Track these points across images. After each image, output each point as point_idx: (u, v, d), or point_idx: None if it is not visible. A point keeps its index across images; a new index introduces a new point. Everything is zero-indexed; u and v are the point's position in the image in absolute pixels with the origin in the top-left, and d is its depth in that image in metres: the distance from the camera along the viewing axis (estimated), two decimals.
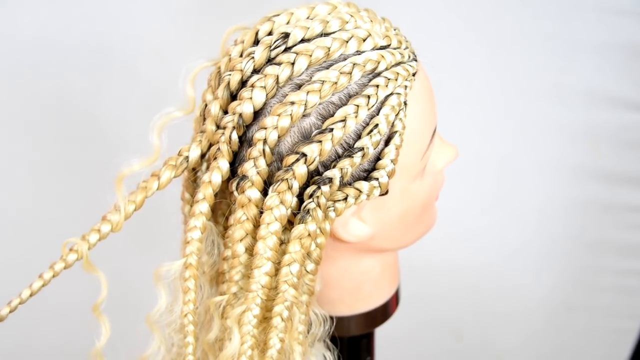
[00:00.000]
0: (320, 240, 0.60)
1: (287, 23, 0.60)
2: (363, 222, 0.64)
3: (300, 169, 0.57)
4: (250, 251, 0.60)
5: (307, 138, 0.57)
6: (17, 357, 1.36)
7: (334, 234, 0.63)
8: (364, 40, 0.59)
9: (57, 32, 1.23)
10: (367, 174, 0.60)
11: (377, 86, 0.58)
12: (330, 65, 0.58)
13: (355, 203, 0.60)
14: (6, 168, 1.28)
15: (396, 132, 0.59)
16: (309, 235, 0.58)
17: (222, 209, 0.66)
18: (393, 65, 0.59)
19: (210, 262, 0.67)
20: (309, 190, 0.58)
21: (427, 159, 0.64)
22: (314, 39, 0.58)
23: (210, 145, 0.61)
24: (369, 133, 0.58)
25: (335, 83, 0.57)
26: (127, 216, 0.59)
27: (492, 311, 1.49)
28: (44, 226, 1.31)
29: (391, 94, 0.59)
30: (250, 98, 0.57)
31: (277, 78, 0.57)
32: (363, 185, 0.59)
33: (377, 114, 0.58)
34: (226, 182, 0.61)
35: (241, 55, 0.60)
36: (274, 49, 0.58)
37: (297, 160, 0.57)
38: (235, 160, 0.60)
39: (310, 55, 0.57)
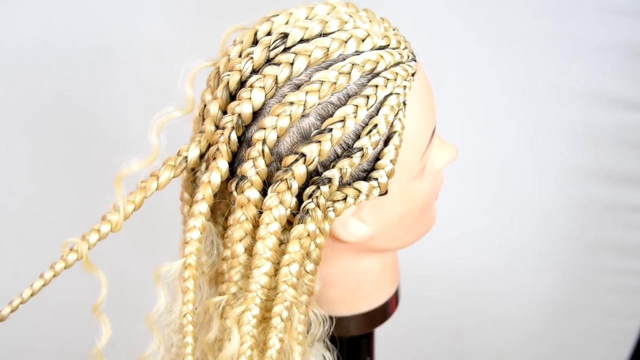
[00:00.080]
0: (320, 241, 0.60)
1: (286, 23, 0.60)
2: (362, 222, 0.64)
3: (300, 169, 0.57)
4: (250, 251, 0.60)
5: (306, 138, 0.57)
6: (17, 357, 1.36)
7: (333, 234, 0.63)
8: (363, 41, 0.59)
9: (57, 32, 1.23)
10: (366, 174, 0.60)
11: (376, 86, 0.58)
12: (329, 65, 0.58)
13: (354, 203, 0.60)
14: (6, 167, 1.28)
15: (395, 132, 0.59)
16: (309, 235, 0.58)
17: (221, 209, 0.66)
18: (392, 66, 0.59)
19: (210, 263, 0.67)
20: (308, 190, 0.58)
21: (426, 159, 0.64)
22: (313, 39, 0.58)
23: (210, 146, 0.61)
24: (368, 133, 0.57)
25: (334, 83, 0.57)
26: (126, 216, 0.59)
27: (492, 311, 1.49)
28: (43, 225, 1.31)
29: (390, 94, 0.58)
30: (249, 98, 0.57)
31: (276, 78, 0.57)
32: (362, 185, 0.59)
33: (376, 114, 0.58)
34: (225, 182, 0.60)
35: (240, 56, 0.60)
36: (273, 49, 0.58)
37: (296, 160, 0.57)
38: (235, 161, 0.60)
39: (309, 56, 0.57)
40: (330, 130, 0.56)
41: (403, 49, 0.61)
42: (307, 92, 0.56)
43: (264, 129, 0.57)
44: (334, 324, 0.71)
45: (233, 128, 0.58)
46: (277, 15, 0.61)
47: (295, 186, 0.57)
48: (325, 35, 0.59)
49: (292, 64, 0.57)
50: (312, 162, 0.57)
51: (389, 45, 0.60)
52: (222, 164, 0.59)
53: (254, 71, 0.59)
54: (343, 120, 0.57)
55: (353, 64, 0.57)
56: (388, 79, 0.58)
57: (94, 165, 1.24)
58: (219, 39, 0.66)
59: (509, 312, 1.50)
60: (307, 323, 0.65)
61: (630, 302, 1.47)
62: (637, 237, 1.44)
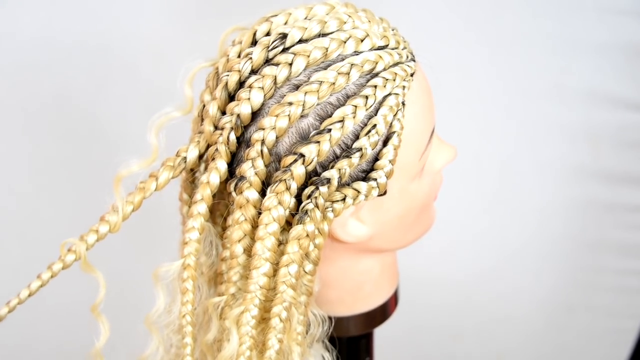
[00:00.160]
0: (319, 241, 0.60)
1: (285, 23, 0.60)
2: (361, 222, 0.64)
3: (299, 170, 0.57)
4: (249, 252, 0.60)
5: (305, 139, 0.57)
6: (16, 357, 1.37)
7: (332, 235, 0.63)
8: (362, 41, 0.59)
9: (57, 32, 1.23)
10: (365, 175, 0.60)
11: (375, 87, 0.58)
12: (328, 65, 0.58)
13: (353, 204, 0.60)
14: (6, 167, 1.28)
15: (394, 132, 0.59)
16: (307, 236, 0.58)
17: (220, 209, 0.66)
18: (391, 66, 0.59)
19: (209, 263, 0.67)
20: (307, 191, 0.58)
21: (425, 159, 0.64)
22: (311, 39, 0.58)
23: (209, 146, 0.61)
24: (367, 133, 0.57)
25: (333, 84, 0.57)
26: (125, 217, 0.59)
27: (492, 311, 1.49)
28: (43, 225, 1.31)
29: (389, 94, 0.58)
30: (248, 99, 0.57)
31: (275, 79, 0.57)
32: (361, 185, 0.59)
33: (375, 115, 0.58)
34: (224, 183, 0.60)
35: (239, 56, 0.60)
36: (272, 49, 0.58)
37: (295, 161, 0.57)
38: (234, 161, 0.60)
39: (308, 56, 0.57)
40: (329, 130, 0.56)
41: (402, 49, 0.61)
42: (306, 93, 0.56)
43: (263, 129, 0.57)
44: (333, 324, 0.71)
45: (232, 128, 0.58)
46: (276, 15, 0.61)
47: (294, 187, 0.57)
48: (324, 35, 0.59)
49: (291, 64, 0.57)
50: (311, 163, 0.57)
51: (388, 45, 0.60)
52: (221, 165, 0.59)
53: (253, 71, 0.59)
54: (342, 121, 0.57)
55: (352, 64, 0.57)
56: (387, 79, 0.58)
57: (94, 165, 1.24)
58: (218, 39, 0.66)
59: (509, 312, 1.49)
60: (306, 323, 0.65)
61: (630, 302, 1.47)
62: (637, 237, 1.44)
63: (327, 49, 0.58)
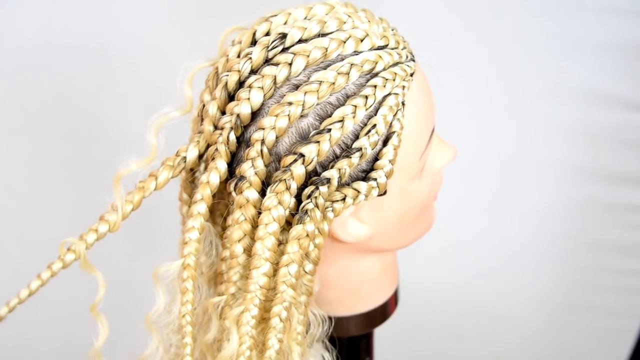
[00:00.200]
0: (319, 241, 0.60)
1: (285, 23, 0.60)
2: (361, 222, 0.64)
3: (298, 170, 0.57)
4: (249, 252, 0.60)
5: (305, 139, 0.57)
6: (16, 357, 1.37)
7: (332, 235, 0.63)
8: (362, 41, 0.59)
9: (57, 31, 1.23)
10: (365, 175, 0.60)
11: (375, 86, 0.58)
12: (328, 65, 0.58)
13: (353, 203, 0.60)
14: (6, 167, 1.28)
15: (394, 132, 0.59)
16: (307, 235, 0.58)
17: (220, 209, 0.66)
18: (391, 66, 0.59)
19: (209, 263, 0.67)
20: (307, 190, 0.58)
21: (425, 159, 0.64)
22: (311, 39, 0.58)
23: (208, 146, 0.61)
24: (367, 133, 0.57)
25: (333, 83, 0.57)
26: (124, 216, 0.59)
27: (492, 311, 1.49)
28: (43, 225, 1.31)
29: (389, 94, 0.58)
30: (248, 99, 0.57)
31: (275, 78, 0.57)
32: (361, 185, 0.59)
33: (375, 115, 0.58)
34: (224, 182, 0.60)
35: (239, 56, 0.60)
36: (272, 49, 0.58)
37: (295, 160, 0.57)
38: (233, 161, 0.60)
39: (308, 56, 0.57)
40: (329, 130, 0.56)
41: (402, 49, 0.61)
42: (305, 93, 0.56)
43: (263, 129, 0.57)
44: (333, 324, 0.71)
45: (232, 128, 0.58)
46: (276, 15, 0.61)
47: (294, 186, 0.57)
48: (324, 35, 0.59)
49: (290, 64, 0.57)
50: (310, 163, 0.57)
51: (387, 45, 0.60)
52: (221, 165, 0.59)
53: (253, 71, 0.58)
54: (342, 121, 0.57)
55: (352, 64, 0.57)
56: (387, 79, 0.58)
57: (94, 165, 1.24)
58: (218, 39, 0.66)
59: (509, 312, 1.49)
60: (306, 323, 0.65)
61: (630, 302, 1.47)
62: (637, 237, 1.44)
63: (326, 48, 0.58)
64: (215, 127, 0.60)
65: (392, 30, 0.63)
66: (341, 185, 0.59)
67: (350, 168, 0.58)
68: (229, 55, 0.61)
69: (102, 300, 0.60)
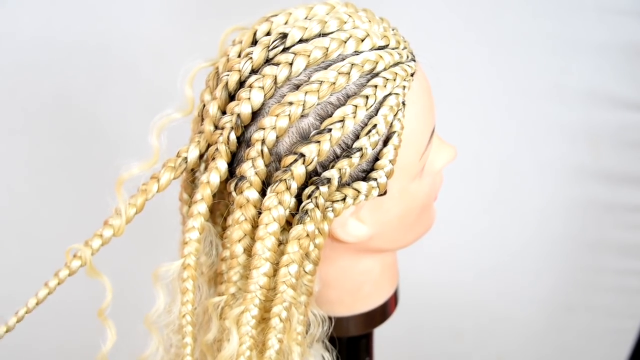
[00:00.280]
0: (319, 241, 0.60)
1: (285, 23, 0.60)
2: (362, 222, 0.64)
3: (299, 170, 0.57)
4: (249, 252, 0.60)
5: (305, 138, 0.57)
6: (17, 357, 1.36)
7: (332, 235, 0.63)
8: (362, 41, 0.59)
9: (57, 32, 1.23)
10: (365, 175, 0.60)
11: (376, 86, 0.58)
12: (329, 65, 0.58)
13: (353, 203, 0.59)
14: (5, 167, 1.28)
15: (394, 132, 0.59)
16: (308, 235, 0.58)
17: (220, 209, 0.66)
18: (391, 66, 0.59)
19: (209, 263, 0.67)
20: (308, 190, 0.58)
21: (425, 159, 0.64)
22: (312, 39, 0.58)
23: (209, 146, 0.61)
24: (367, 133, 0.57)
25: (334, 83, 0.57)
26: (128, 220, 0.59)
27: (492, 311, 1.49)
28: (43, 225, 1.31)
29: (389, 94, 0.58)
30: (249, 98, 0.57)
31: (275, 78, 0.57)
32: (361, 185, 0.59)
33: (376, 115, 0.58)
34: (224, 182, 0.60)
35: (239, 56, 0.60)
36: (272, 49, 0.58)
37: (296, 160, 0.57)
38: (234, 161, 0.60)
39: (309, 56, 0.57)
40: (330, 130, 0.56)
41: (402, 49, 0.61)
42: (306, 92, 0.56)
43: (263, 129, 0.57)
44: (333, 324, 0.71)
45: (232, 128, 0.58)
46: (277, 15, 0.61)
47: (294, 186, 0.57)
48: (325, 35, 0.59)
49: (291, 64, 0.57)
50: (311, 163, 0.57)
51: (388, 45, 0.60)
52: (221, 165, 0.59)
53: (253, 71, 0.58)
54: (342, 121, 0.57)
55: (352, 64, 0.57)
56: (387, 79, 0.58)
57: (94, 165, 1.24)
58: (219, 39, 0.66)
59: (508, 312, 1.49)
60: (306, 323, 0.65)
61: (630, 302, 1.47)
62: (637, 237, 1.44)
63: (327, 48, 0.58)
64: (216, 127, 0.60)
65: (393, 30, 0.63)
66: (341, 185, 0.59)
67: (350, 168, 0.58)
68: (229, 55, 0.61)
69: (109, 305, 0.61)
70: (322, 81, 0.56)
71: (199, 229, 0.60)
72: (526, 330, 1.50)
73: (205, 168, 0.63)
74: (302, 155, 0.56)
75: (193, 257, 0.60)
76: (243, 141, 0.59)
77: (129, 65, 1.27)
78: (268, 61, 0.58)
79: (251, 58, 0.58)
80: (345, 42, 0.58)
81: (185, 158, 0.61)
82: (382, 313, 0.76)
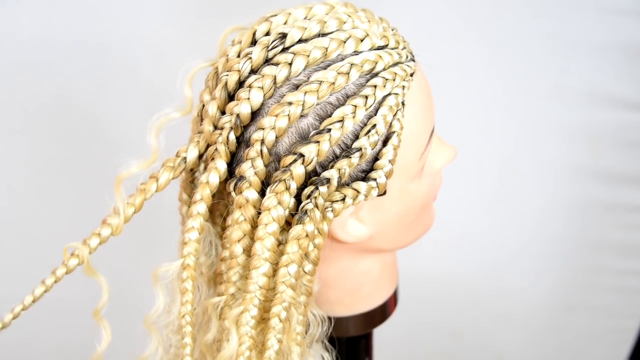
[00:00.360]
0: (318, 241, 0.60)
1: (285, 23, 0.60)
2: (361, 222, 0.64)
3: (298, 170, 0.57)
4: (248, 252, 0.60)
5: (304, 138, 0.57)
6: (17, 357, 1.37)
7: (332, 235, 0.63)
8: (362, 41, 0.59)
9: (57, 32, 1.23)
10: (365, 175, 0.60)
11: (375, 86, 0.58)
12: (328, 65, 0.58)
13: (353, 204, 0.59)
14: (5, 167, 1.28)
15: (394, 132, 0.59)
16: (307, 236, 0.58)
17: (219, 209, 0.66)
18: (391, 66, 0.59)
19: (208, 263, 0.67)
20: (307, 190, 0.58)
21: (425, 160, 0.64)
22: (311, 39, 0.58)
23: (208, 146, 0.61)
24: (366, 133, 0.57)
25: (333, 83, 0.57)
26: (126, 219, 0.59)
27: (492, 311, 1.49)
28: (42, 225, 1.31)
29: (389, 94, 0.58)
30: (248, 98, 0.57)
31: (275, 78, 0.57)
32: (361, 185, 0.59)
33: (375, 115, 0.58)
34: (224, 182, 0.60)
35: (239, 56, 0.60)
36: (272, 49, 0.58)
37: (295, 160, 0.56)
38: (233, 161, 0.60)
39: (308, 56, 0.57)
40: (329, 130, 0.56)
41: (402, 49, 0.61)
42: (305, 92, 0.56)
43: (263, 129, 0.57)
44: (332, 324, 0.71)
45: (231, 128, 0.58)
46: (276, 15, 0.61)
47: (293, 187, 0.57)
48: (324, 35, 0.59)
49: (290, 64, 0.57)
50: (310, 163, 0.57)
51: (387, 45, 0.60)
52: (221, 165, 0.59)
53: (253, 71, 0.58)
54: (342, 121, 0.57)
55: (352, 64, 0.57)
56: (387, 79, 0.58)
57: (94, 165, 1.24)
58: (218, 39, 0.66)
59: (508, 312, 1.49)
60: (306, 324, 0.65)
61: (630, 302, 1.47)
62: (637, 237, 1.44)
63: (326, 48, 0.57)
64: (215, 127, 0.60)
65: (392, 30, 0.63)
66: (341, 185, 0.59)
67: (350, 168, 0.58)
68: (228, 55, 0.61)
69: (105, 305, 0.61)
70: (321, 81, 0.56)
71: (199, 229, 0.60)
72: (526, 330, 1.50)
73: (205, 168, 0.63)
74: (302, 155, 0.56)
75: (192, 257, 0.60)
76: (242, 141, 0.59)
77: (129, 65, 1.27)
78: (267, 61, 0.58)
79: (250, 58, 0.58)
80: (345, 42, 0.58)
81: (185, 158, 0.61)
82: (381, 313, 0.76)
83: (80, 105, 1.27)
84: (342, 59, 0.58)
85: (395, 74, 0.59)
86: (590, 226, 1.45)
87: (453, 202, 1.28)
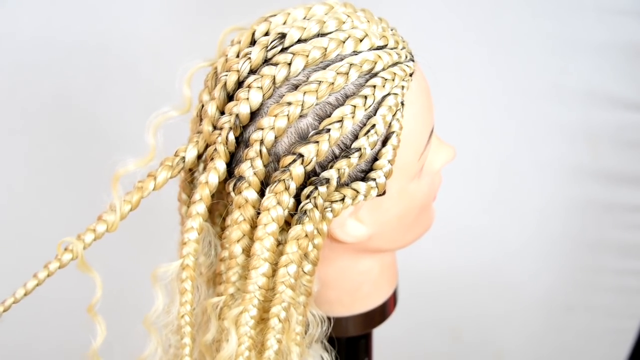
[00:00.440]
0: (318, 241, 0.60)
1: (284, 23, 0.60)
2: (360, 222, 0.64)
3: (297, 170, 0.57)
4: (248, 252, 0.60)
5: (304, 139, 0.57)
6: (16, 357, 1.37)
7: (331, 235, 0.63)
8: (361, 41, 0.59)
9: (57, 32, 1.23)
10: (364, 175, 0.60)
11: (374, 86, 0.58)
12: (327, 65, 0.58)
13: (352, 204, 0.59)
14: (5, 167, 1.28)
15: (393, 132, 0.59)
16: (306, 236, 0.58)
17: (219, 209, 0.66)
18: (390, 66, 0.59)
19: (208, 263, 0.67)
20: (306, 191, 0.58)
21: (424, 160, 0.64)
22: (310, 39, 0.58)
23: (207, 146, 0.61)
24: (366, 133, 0.57)
25: (332, 83, 0.57)
26: (122, 216, 0.59)
27: (491, 311, 1.49)
28: (42, 225, 1.31)
29: (388, 94, 0.58)
30: (247, 98, 0.57)
31: (274, 78, 0.57)
32: (360, 185, 0.59)
33: (374, 115, 0.58)
34: (223, 183, 0.60)
35: (238, 56, 0.60)
36: (271, 49, 0.58)
37: (294, 161, 0.56)
38: (232, 161, 0.60)
39: (307, 56, 0.57)
40: (328, 130, 0.56)
41: (401, 49, 0.61)
42: (304, 93, 0.56)
43: (262, 129, 0.57)
44: (332, 324, 0.71)
45: (231, 128, 0.58)
46: (275, 15, 0.61)
47: (293, 187, 0.57)
48: (323, 35, 0.59)
49: (289, 64, 0.57)
50: (309, 163, 0.57)
51: (387, 45, 0.60)
52: (220, 165, 0.59)
53: (252, 71, 0.58)
54: (341, 121, 0.57)
55: (351, 64, 0.57)
56: (386, 79, 0.58)
57: (93, 165, 1.24)
58: (217, 39, 0.66)
59: (508, 312, 1.50)
60: (305, 324, 0.65)
61: (630, 302, 1.47)
62: (637, 237, 1.44)
63: (326, 48, 0.57)
64: (214, 127, 0.60)
65: (392, 30, 0.63)
66: (340, 185, 0.59)
67: (349, 168, 0.58)
68: (228, 55, 0.61)
69: (99, 301, 0.60)
70: (320, 81, 0.56)
71: (198, 229, 0.60)
72: (525, 330, 1.50)
73: (204, 168, 0.63)
74: (301, 155, 0.56)
75: (192, 257, 0.60)
76: (242, 141, 0.59)
77: (128, 65, 1.27)
78: (266, 61, 0.58)
79: (250, 58, 0.58)
80: (344, 42, 0.58)
81: (183, 158, 0.61)
82: (381, 313, 0.76)
83: (80, 105, 1.27)
84: (342, 59, 0.58)
85: (395, 74, 0.59)
86: (589, 226, 1.45)
87: (452, 202, 1.28)
